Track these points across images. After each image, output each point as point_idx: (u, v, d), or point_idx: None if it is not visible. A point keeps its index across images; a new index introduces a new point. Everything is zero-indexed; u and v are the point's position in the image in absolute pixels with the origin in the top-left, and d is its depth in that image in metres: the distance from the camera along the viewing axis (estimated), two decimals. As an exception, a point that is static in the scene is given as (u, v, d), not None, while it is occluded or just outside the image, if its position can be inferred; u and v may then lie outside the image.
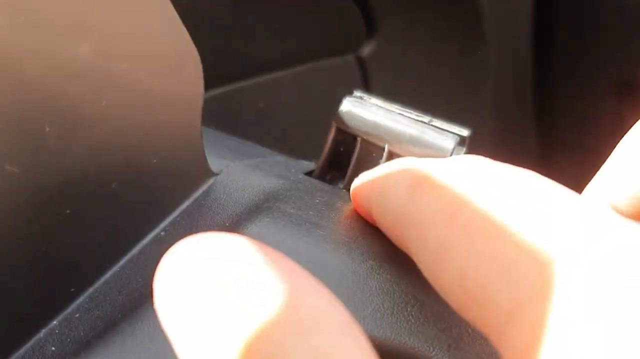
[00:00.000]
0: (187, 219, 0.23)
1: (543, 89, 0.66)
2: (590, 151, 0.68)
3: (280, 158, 0.28)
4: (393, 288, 0.20)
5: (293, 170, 0.26)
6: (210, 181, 0.25)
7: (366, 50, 0.52)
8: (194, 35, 0.22)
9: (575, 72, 0.65)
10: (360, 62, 0.51)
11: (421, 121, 0.24)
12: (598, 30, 0.62)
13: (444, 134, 0.24)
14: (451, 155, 0.24)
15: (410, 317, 0.20)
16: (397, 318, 0.20)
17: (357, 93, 0.26)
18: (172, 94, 0.22)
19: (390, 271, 0.21)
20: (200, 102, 0.23)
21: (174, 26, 0.21)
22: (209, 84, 0.25)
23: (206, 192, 0.24)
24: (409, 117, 0.25)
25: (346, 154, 0.26)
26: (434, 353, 0.19)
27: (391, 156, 0.25)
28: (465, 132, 0.24)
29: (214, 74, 0.31)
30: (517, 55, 0.64)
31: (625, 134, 0.24)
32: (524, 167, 0.25)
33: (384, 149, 0.25)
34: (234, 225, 0.22)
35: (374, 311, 0.20)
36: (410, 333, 0.19)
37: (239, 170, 0.26)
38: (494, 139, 0.66)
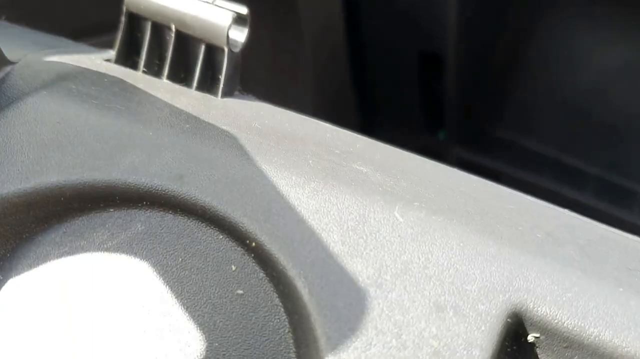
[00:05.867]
0: None
1: (357, 60, 0.68)
2: (405, 119, 0.70)
3: (84, 47, 0.29)
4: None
5: (93, 57, 0.28)
6: (7, 69, 0.26)
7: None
8: None
9: (383, 44, 0.66)
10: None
11: (205, 1, 0.26)
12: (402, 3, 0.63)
13: (224, 12, 0.26)
14: (228, 31, 0.25)
15: None
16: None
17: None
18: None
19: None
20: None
21: None
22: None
23: (2, 81, 0.25)
24: (195, -1, 0.26)
25: (142, 40, 0.28)
26: None
27: (180, 36, 0.27)
28: (244, 11, 0.26)
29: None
30: (330, 27, 0.65)
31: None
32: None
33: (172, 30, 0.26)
34: (21, 106, 0.24)
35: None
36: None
37: (36, 58, 0.27)
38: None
